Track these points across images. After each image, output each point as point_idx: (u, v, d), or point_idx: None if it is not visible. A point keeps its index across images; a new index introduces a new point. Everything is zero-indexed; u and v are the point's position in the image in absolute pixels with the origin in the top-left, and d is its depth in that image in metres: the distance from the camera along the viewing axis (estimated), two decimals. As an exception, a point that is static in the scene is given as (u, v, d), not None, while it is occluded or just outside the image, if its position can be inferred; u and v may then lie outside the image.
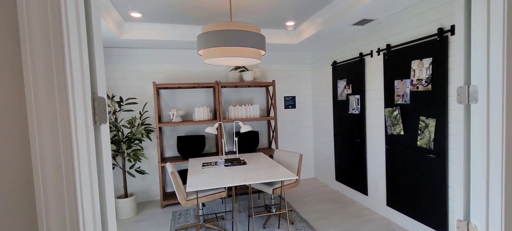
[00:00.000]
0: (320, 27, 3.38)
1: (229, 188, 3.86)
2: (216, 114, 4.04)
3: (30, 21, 0.52)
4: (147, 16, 3.19)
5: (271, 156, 4.40)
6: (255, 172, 2.77)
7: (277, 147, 4.19)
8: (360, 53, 3.41)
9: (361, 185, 3.56)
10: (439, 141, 2.43)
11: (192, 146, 3.84)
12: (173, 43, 3.77)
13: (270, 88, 4.52)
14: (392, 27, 2.92)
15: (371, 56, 3.25)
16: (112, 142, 3.38)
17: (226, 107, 4.36)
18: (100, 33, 0.72)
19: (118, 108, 3.76)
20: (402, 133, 2.83)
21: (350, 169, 3.76)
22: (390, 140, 3.00)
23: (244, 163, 3.14)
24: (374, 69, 3.23)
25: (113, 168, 3.44)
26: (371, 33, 3.23)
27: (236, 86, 4.33)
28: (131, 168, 3.54)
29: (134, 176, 3.49)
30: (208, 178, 2.61)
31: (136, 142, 3.53)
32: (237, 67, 4.14)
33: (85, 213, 0.58)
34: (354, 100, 3.59)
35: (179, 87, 4.02)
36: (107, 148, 0.73)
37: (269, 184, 3.05)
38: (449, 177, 2.39)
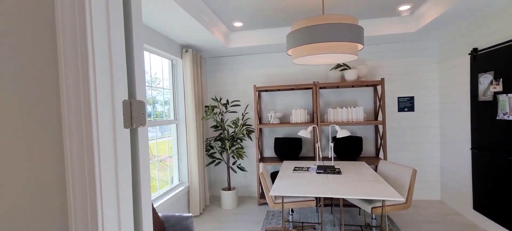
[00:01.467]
0: (450, 4, 2.60)
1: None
2: (313, 117, 3.85)
3: (64, 30, 0.60)
4: (247, 24, 3.42)
5: (376, 168, 3.79)
6: (349, 184, 2.43)
7: (385, 157, 3.55)
8: (519, 34, 2.37)
9: (518, 224, 2.47)
10: None
11: (288, 148, 3.82)
12: (271, 47, 3.88)
13: (379, 88, 3.89)
14: None
15: (541, 35, 2.19)
16: (219, 139, 3.83)
17: (325, 110, 4.09)
18: (141, 43, 0.77)
19: (225, 110, 4.24)
20: None
21: (499, 197, 2.68)
22: None
23: (339, 172, 2.82)
24: (545, 55, 2.16)
25: (219, 162, 3.91)
26: (541, 1, 2.18)
27: (337, 87, 3.98)
28: (233, 164, 3.90)
29: (235, 172, 3.83)
30: (295, 184, 2.50)
31: (238, 140, 3.86)
32: (337, 66, 3.80)
33: (106, 211, 0.62)
34: (506, 101, 2.54)
35: (278, 90, 4.10)
36: (144, 148, 0.77)
37: (368, 200, 2.60)
38: None
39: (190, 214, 2.26)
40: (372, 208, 2.50)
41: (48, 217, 0.65)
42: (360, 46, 2.38)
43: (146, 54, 3.03)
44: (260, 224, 3.28)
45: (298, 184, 2.49)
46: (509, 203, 2.56)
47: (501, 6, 2.56)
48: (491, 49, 2.74)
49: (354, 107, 3.65)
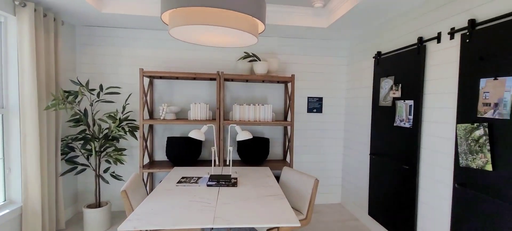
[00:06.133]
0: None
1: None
2: (217, 114, 3.22)
3: None
4: (127, -18, 2.49)
5: (278, 175, 3.45)
6: (242, 203, 1.88)
7: (291, 161, 3.22)
8: (419, 39, 2.28)
9: (407, 233, 2.42)
10: None
11: (183, 151, 3.08)
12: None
13: (290, 85, 3.56)
14: (481, -9, 1.76)
15: (438, 41, 2.10)
16: (82, 138, 2.76)
17: (231, 106, 3.52)
18: None
19: (96, 99, 3.16)
20: (488, 167, 1.67)
21: (391, 204, 2.63)
22: (464, 176, 1.84)
23: (235, 184, 2.26)
24: (442, 62, 2.08)
25: (84, 170, 2.84)
26: (440, 6, 2.09)
27: (247, 81, 3.46)
28: (106, 171, 2.90)
29: (107, 182, 2.85)
30: (168, 206, 1.79)
31: (114, 140, 2.88)
32: (246, 56, 3.27)
33: None
34: (404, 107, 2.46)
35: (177, 78, 3.29)
36: None
37: (265, 220, 2.12)
38: None
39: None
40: (268, 229, 2.02)
41: None
42: (261, 26, 1.84)
43: None
44: (132, 254, 2.43)
45: (173, 206, 1.79)
46: (401, 212, 2.50)
47: (404, 9, 2.46)
48: (392, 53, 2.65)
49: (263, 105, 3.19)
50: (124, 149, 2.98)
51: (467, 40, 1.83)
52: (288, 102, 3.49)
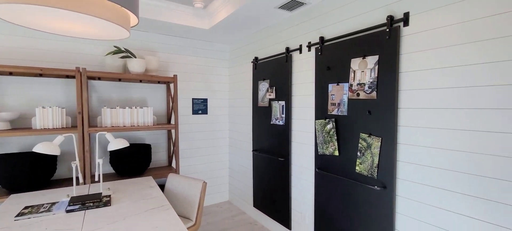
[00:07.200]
0: (237, 5, 2.46)
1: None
2: (78, 121, 2.59)
3: None
4: None
5: (163, 183, 3.22)
6: (118, 224, 1.58)
7: (177, 166, 3.04)
8: (287, 48, 2.66)
9: (283, 216, 2.79)
10: (384, 168, 1.81)
11: (24, 171, 2.29)
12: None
13: (172, 86, 3.35)
14: (328, 15, 2.24)
15: (300, 52, 2.52)
16: None
17: (99, 110, 2.95)
18: None
19: None
20: (336, 153, 2.15)
21: (271, 194, 2.96)
22: (322, 162, 2.30)
23: (107, 204, 1.88)
24: (303, 69, 2.50)
25: None
26: (302, 22, 2.51)
27: (119, 80, 2.98)
28: None
29: None
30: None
31: None
32: (118, 51, 2.81)
33: None
34: (278, 107, 2.81)
35: (10, 73, 2.42)
36: None
37: (148, 237, 1.88)
38: (396, 218, 1.78)
39: None
40: (151, 249, 1.80)
41: None
42: (133, 18, 1.61)
43: None
44: None
45: (6, 253, 1.28)
46: (278, 199, 2.84)
47: (276, 21, 2.81)
48: (267, 60, 2.97)
49: (141, 108, 2.84)
50: None
51: (319, 53, 2.28)
52: (171, 104, 3.27)
